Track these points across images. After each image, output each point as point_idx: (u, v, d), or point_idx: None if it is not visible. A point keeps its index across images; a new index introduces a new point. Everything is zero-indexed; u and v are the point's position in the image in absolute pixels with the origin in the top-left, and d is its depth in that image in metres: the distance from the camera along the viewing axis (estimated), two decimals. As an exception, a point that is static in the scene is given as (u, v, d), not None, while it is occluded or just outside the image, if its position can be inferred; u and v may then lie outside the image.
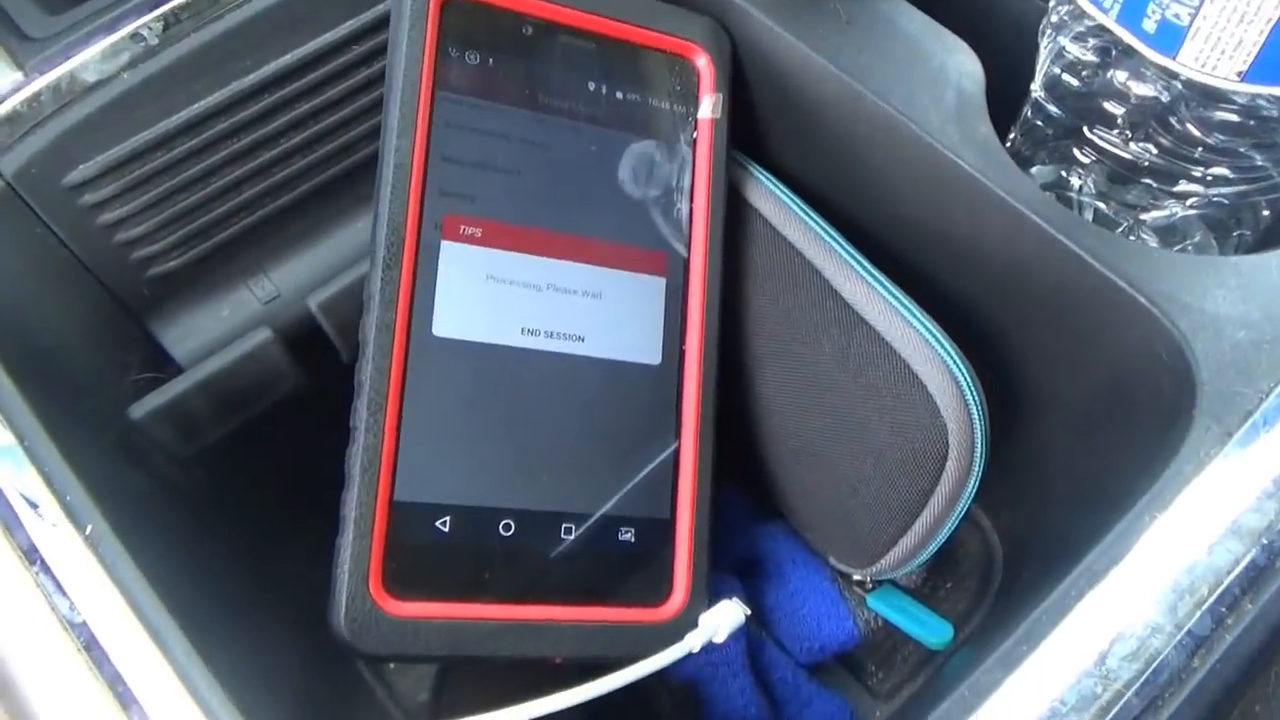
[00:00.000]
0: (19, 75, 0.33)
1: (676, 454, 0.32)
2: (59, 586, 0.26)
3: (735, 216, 0.35)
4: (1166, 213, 0.34)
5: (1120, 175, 0.34)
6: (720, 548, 0.38)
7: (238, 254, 0.36)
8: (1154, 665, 0.23)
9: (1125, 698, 0.22)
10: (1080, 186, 0.38)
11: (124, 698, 0.24)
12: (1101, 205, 0.36)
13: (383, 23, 0.36)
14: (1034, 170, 0.39)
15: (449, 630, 0.28)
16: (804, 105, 0.35)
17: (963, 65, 0.33)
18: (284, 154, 0.36)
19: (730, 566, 0.37)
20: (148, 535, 0.29)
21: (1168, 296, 0.28)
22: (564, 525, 0.30)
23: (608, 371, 0.31)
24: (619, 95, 0.33)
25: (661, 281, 0.33)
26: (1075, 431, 0.33)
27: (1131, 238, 0.35)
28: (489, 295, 0.30)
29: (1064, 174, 0.38)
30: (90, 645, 0.25)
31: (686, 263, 0.33)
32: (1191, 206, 0.34)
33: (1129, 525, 0.25)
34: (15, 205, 0.32)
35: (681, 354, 0.32)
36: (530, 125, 0.32)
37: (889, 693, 0.37)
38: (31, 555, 0.26)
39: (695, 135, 0.34)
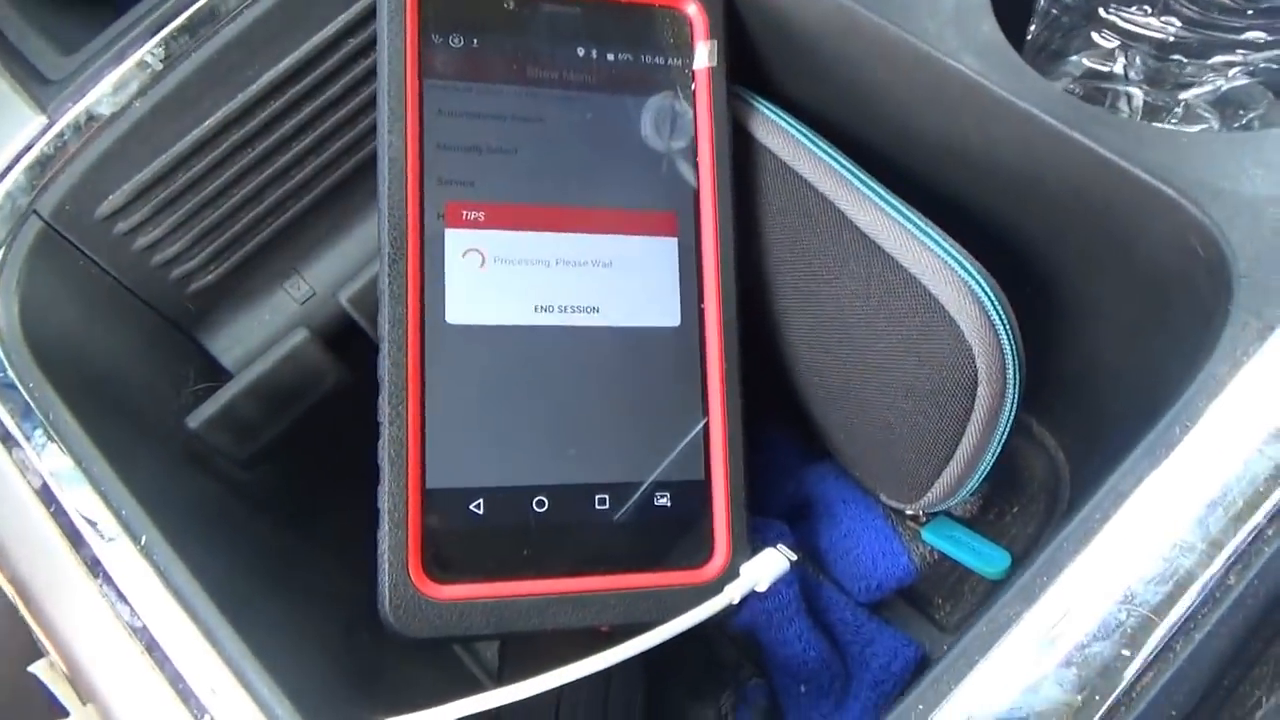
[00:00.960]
0: (43, 118, 0.35)
1: (705, 413, 0.31)
2: (120, 595, 0.28)
3: (744, 157, 0.34)
4: (1210, 88, 0.31)
5: (1150, 55, 0.31)
6: (770, 492, 0.38)
7: (270, 259, 0.38)
8: (1184, 586, 0.21)
9: (1155, 623, 0.21)
10: (1120, 74, 0.35)
11: (184, 694, 0.26)
12: (1138, 91, 0.33)
13: (373, 12, 0.36)
14: (1069, 61, 0.36)
15: (492, 609, 0.29)
16: (799, 31, 0.33)
17: (960, -37, 0.31)
18: (298, 155, 0.37)
19: (781, 510, 0.37)
20: (209, 537, 0.31)
21: (1197, 183, 0.26)
22: (597, 496, 0.30)
23: (627, 339, 0.31)
24: (610, 58, 0.32)
25: (673, 241, 0.32)
26: (1121, 337, 0.31)
27: (1173, 122, 0.33)
28: (498, 277, 0.30)
29: (1099, 63, 0.35)
30: (151, 647, 0.27)
31: (697, 219, 0.32)
32: (1239, 76, 0.31)
33: (1157, 438, 0.23)
34: (56, 242, 0.34)
35: (701, 312, 0.32)
36: (523, 101, 0.31)
37: (957, 625, 0.36)
38: (95, 568, 0.28)
39: (694, 87, 0.33)
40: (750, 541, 0.34)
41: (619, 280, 0.31)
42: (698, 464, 0.31)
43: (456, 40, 0.31)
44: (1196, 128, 0.33)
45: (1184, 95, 0.32)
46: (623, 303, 0.31)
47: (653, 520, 0.30)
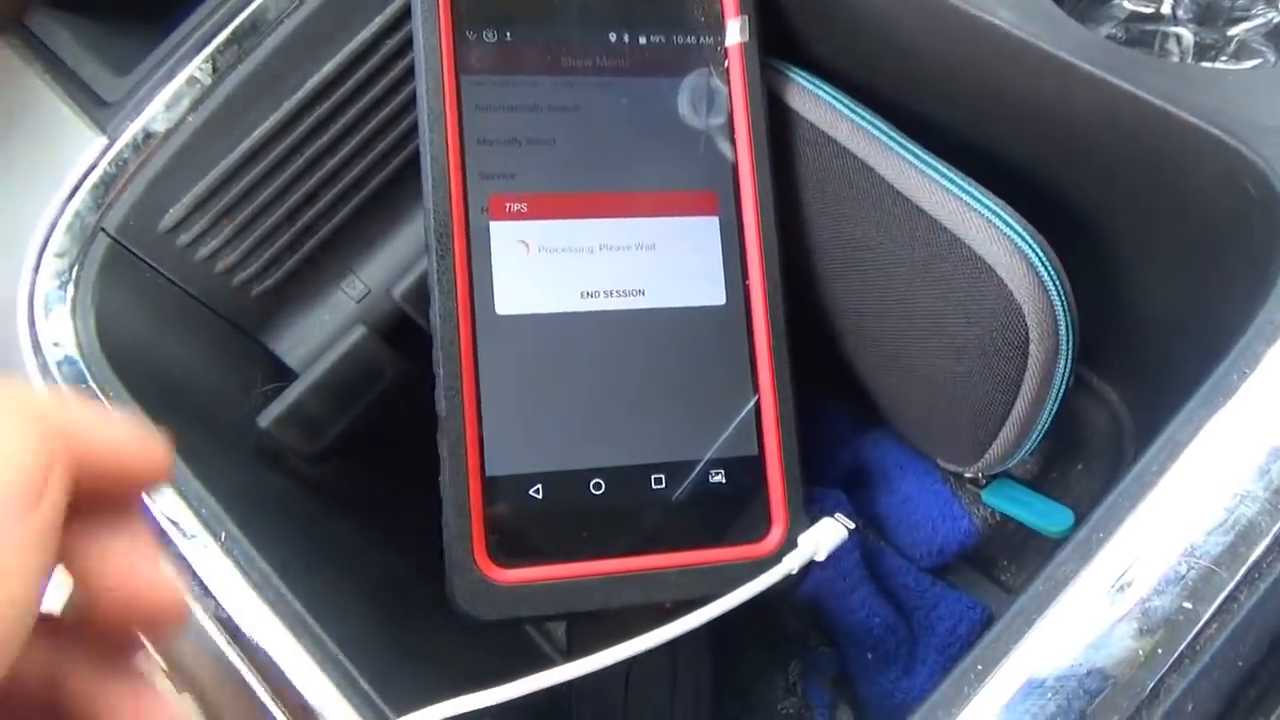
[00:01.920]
0: (104, 139, 0.36)
1: (756, 388, 0.31)
2: (205, 589, 0.29)
3: (780, 128, 0.34)
4: (1262, 20, 0.30)
5: (1195, -8, 0.30)
6: (826, 462, 0.38)
7: (325, 261, 0.39)
8: (1247, 536, 0.21)
9: (1218, 574, 0.21)
10: (1168, 14, 0.34)
11: (271, 679, 0.28)
12: (1186, 31, 0.32)
13: (408, 11, 0.37)
14: (1113, 4, 0.35)
15: (556, 590, 0.29)
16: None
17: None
18: (346, 158, 0.38)
19: (838, 480, 0.37)
20: (284, 531, 0.33)
21: (1247, 123, 0.25)
22: (654, 476, 0.31)
23: (674, 319, 0.31)
24: (642, 40, 0.33)
25: (715, 220, 0.32)
26: (1176, 285, 0.31)
27: (1225, 60, 0.32)
28: (544, 266, 0.31)
29: (1144, 5, 0.34)
30: (237, 636, 0.28)
31: (737, 196, 0.32)
32: (1293, 7, 0.30)
33: (1214, 386, 0.23)
34: (124, 257, 0.35)
35: (746, 288, 0.32)
36: (558, 91, 0.32)
37: (1025, 585, 0.35)
38: (180, 564, 0.30)
39: (727, 64, 0.33)
40: (808, 512, 0.35)
41: (663, 262, 0.31)
42: (751, 440, 0.31)
43: (490, 35, 0.31)
44: (1251, 63, 0.32)
45: (1235, 30, 0.31)
46: (668, 284, 0.31)
47: (709, 497, 0.31)
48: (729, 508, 0.31)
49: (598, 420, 0.31)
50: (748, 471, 0.31)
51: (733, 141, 0.32)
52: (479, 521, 0.29)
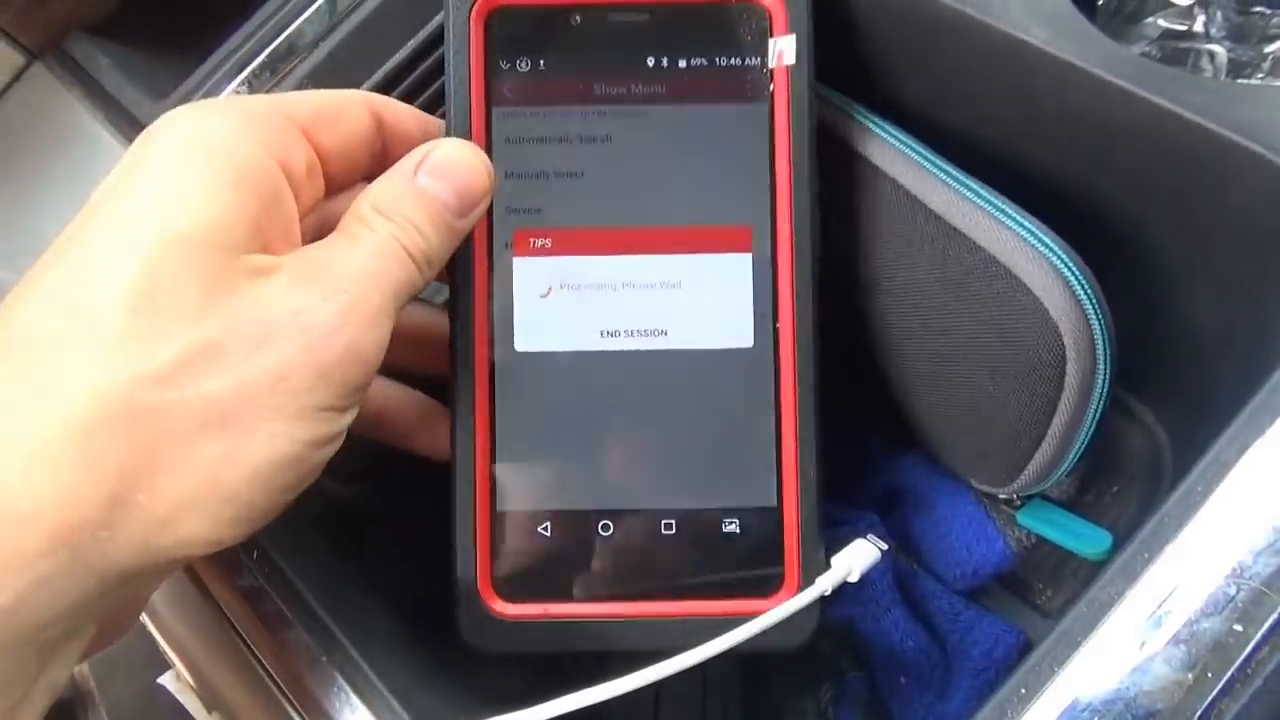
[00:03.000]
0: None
1: (778, 437, 0.30)
2: (234, 607, 0.29)
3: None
4: (1299, 39, 0.30)
5: (1231, 9, 0.30)
6: (859, 487, 0.38)
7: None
8: (1298, 557, 0.20)
9: (1268, 596, 0.20)
10: (1200, 32, 0.34)
11: (304, 699, 0.28)
12: (1220, 48, 0.32)
13: (441, 35, 0.37)
14: (1145, 23, 0.35)
15: (560, 629, 0.29)
16: (861, 16, 0.33)
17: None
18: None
19: (871, 503, 0.36)
20: (315, 549, 0.33)
21: (1288, 139, 0.25)
22: (664, 522, 0.30)
23: (696, 361, 0.30)
24: (681, 64, 0.31)
25: (747, 258, 0.30)
26: (1215, 304, 0.30)
27: (1260, 78, 0.31)
28: (566, 303, 0.30)
29: (1177, 23, 0.34)
30: (265, 654, 0.28)
31: (774, 232, 0.30)
32: (1330, 25, 0.30)
33: (1261, 404, 0.22)
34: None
35: (776, 331, 0.30)
36: (590, 121, 0.31)
37: (1060, 609, 0.35)
38: (209, 583, 0.30)
39: (772, 87, 0.31)
40: (839, 535, 0.34)
41: (689, 301, 0.30)
42: (770, 490, 0.30)
43: (524, 64, 0.31)
44: (1287, 82, 0.32)
45: (1270, 48, 0.31)
46: (692, 325, 0.30)
47: (721, 547, 0.30)
48: (741, 559, 0.30)
49: (611, 462, 0.30)
50: (764, 523, 0.30)
51: (773, 172, 0.31)
52: (485, 556, 0.29)
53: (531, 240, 0.30)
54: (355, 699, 0.27)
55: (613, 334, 0.30)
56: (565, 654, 0.31)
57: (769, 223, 0.30)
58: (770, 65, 0.31)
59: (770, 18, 0.31)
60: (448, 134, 0.30)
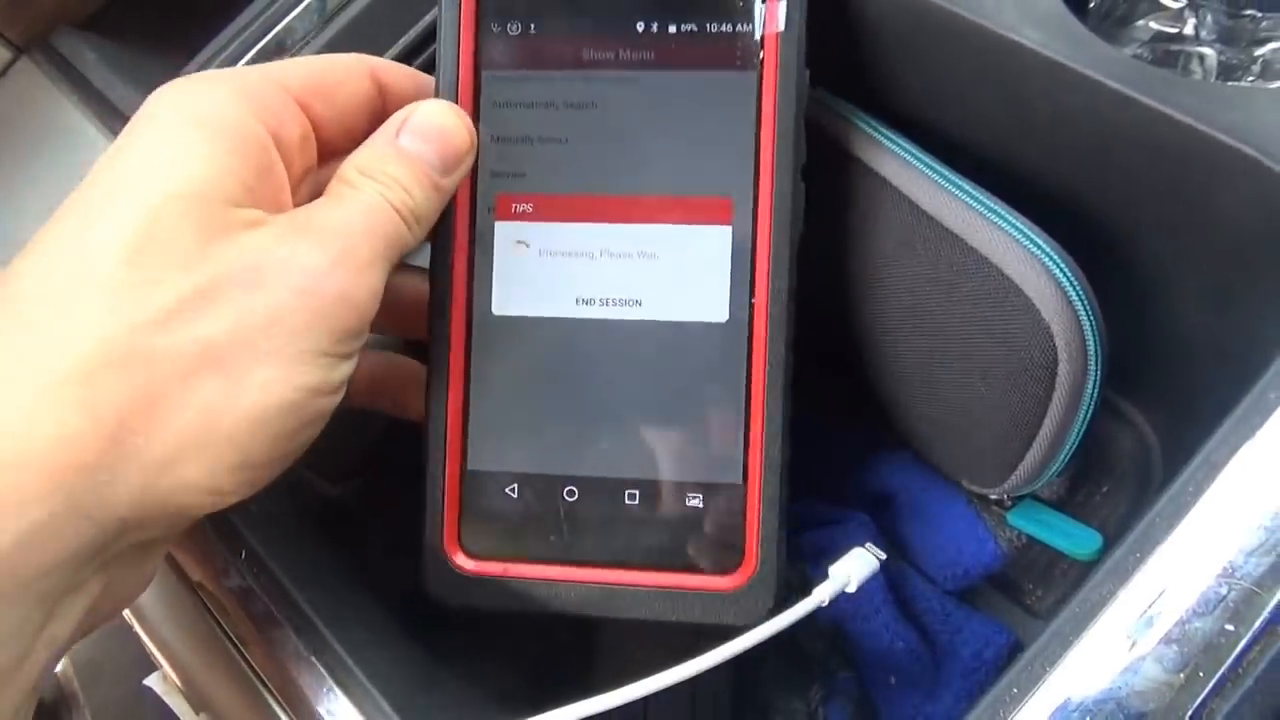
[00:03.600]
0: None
1: (747, 414, 0.30)
2: (223, 608, 0.29)
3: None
4: (1289, 42, 0.30)
5: (1221, 12, 0.30)
6: (850, 484, 0.38)
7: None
8: (1288, 557, 0.20)
9: (1259, 596, 0.20)
10: (1191, 35, 0.34)
11: (293, 699, 0.27)
12: (1211, 51, 0.32)
13: (433, 33, 0.37)
14: (1136, 26, 0.35)
15: (520, 589, 0.30)
16: (853, 14, 0.33)
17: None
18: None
19: (862, 503, 0.36)
20: (304, 548, 0.32)
21: (1277, 140, 0.25)
22: (627, 491, 0.30)
23: (669, 333, 0.30)
24: (671, 30, 0.30)
25: (727, 230, 0.30)
26: (1206, 306, 0.30)
27: (1250, 80, 0.31)
28: (544, 269, 0.30)
29: (1168, 25, 0.34)
30: (254, 654, 0.28)
31: (755, 204, 0.30)
32: (1320, 29, 0.30)
33: (1251, 406, 0.23)
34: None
35: (751, 307, 0.30)
36: (577, 87, 0.30)
37: (1050, 609, 0.35)
38: (199, 583, 0.29)
39: (762, 55, 0.30)
40: (831, 535, 0.34)
41: (665, 272, 0.30)
42: (735, 467, 0.30)
43: (515, 27, 0.30)
44: (1276, 83, 0.32)
45: (1260, 51, 0.31)
46: (668, 296, 0.30)
47: (683, 520, 0.30)
48: (702, 534, 0.30)
49: (579, 428, 0.30)
50: (727, 499, 0.30)
51: (757, 143, 0.30)
52: (454, 511, 0.30)
53: (514, 205, 0.30)
54: (345, 699, 0.27)
55: (588, 301, 0.30)
56: (524, 615, 0.31)
57: (751, 195, 0.30)
58: (760, 32, 0.30)
59: None
60: (436, 95, 0.30)
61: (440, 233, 0.30)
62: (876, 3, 0.32)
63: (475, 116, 0.30)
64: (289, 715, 0.27)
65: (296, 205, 0.26)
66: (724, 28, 0.30)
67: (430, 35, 0.37)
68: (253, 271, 0.23)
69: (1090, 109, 0.28)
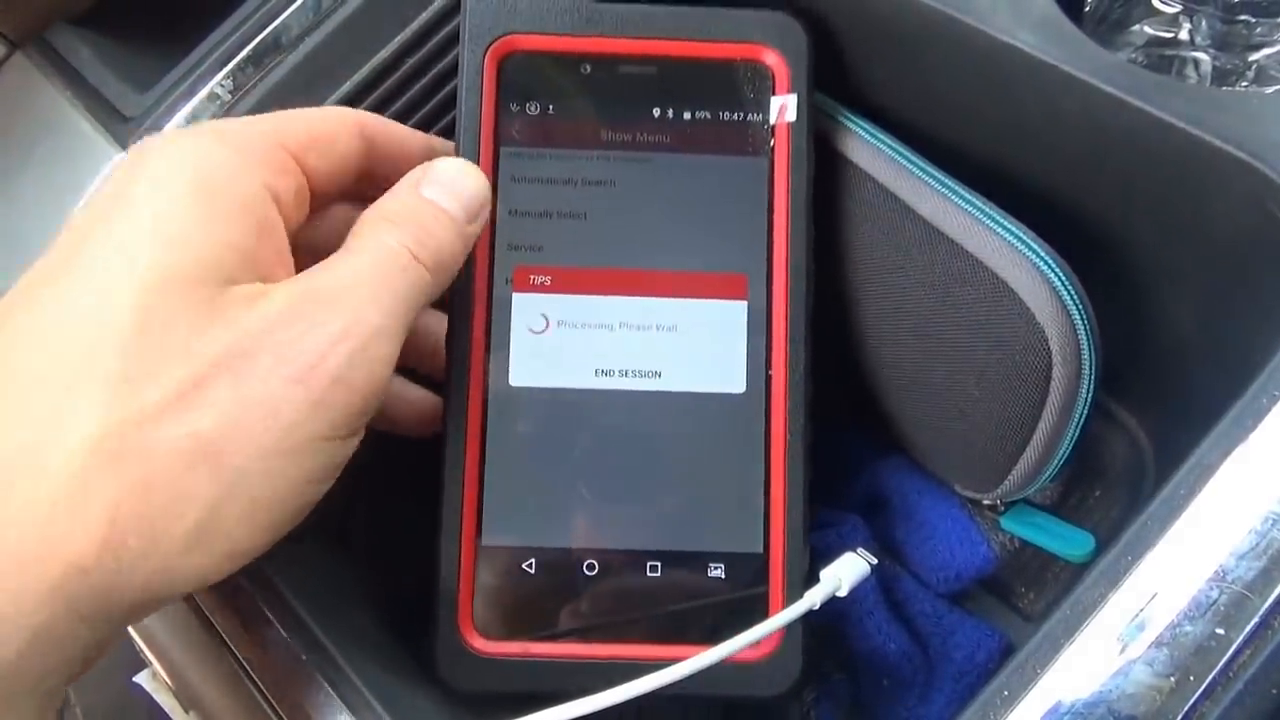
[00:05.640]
0: (123, 155, 0.36)
1: (767, 485, 0.30)
2: (217, 611, 0.29)
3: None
4: (1282, 48, 0.30)
5: (1216, 17, 0.30)
6: (843, 488, 0.38)
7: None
8: (1279, 560, 0.20)
9: (1250, 600, 0.20)
10: (1186, 40, 0.34)
11: (282, 702, 0.27)
12: (1205, 56, 0.32)
13: (429, 33, 0.37)
14: (1131, 30, 0.35)
15: (539, 668, 0.29)
16: (848, 20, 0.33)
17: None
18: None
19: (855, 506, 0.36)
20: (299, 557, 0.32)
21: (1271, 145, 0.25)
22: (649, 564, 0.30)
23: (688, 404, 0.30)
24: (686, 116, 0.32)
25: (743, 305, 0.31)
26: (1200, 310, 0.30)
27: (1244, 86, 0.32)
28: (562, 340, 0.30)
29: (1163, 30, 0.34)
30: (249, 659, 0.28)
31: (769, 282, 0.31)
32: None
33: (1244, 409, 0.23)
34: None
35: (768, 379, 0.30)
36: (595, 165, 0.31)
37: (1043, 612, 0.35)
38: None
39: (773, 142, 0.31)
40: (824, 539, 0.34)
41: (684, 344, 0.31)
42: (756, 537, 0.30)
43: (533, 107, 0.31)
44: (1270, 89, 0.32)
45: (1255, 56, 0.31)
46: (686, 368, 0.31)
47: (706, 592, 0.30)
48: (726, 605, 0.30)
49: (599, 500, 0.30)
50: (749, 569, 0.30)
51: (770, 224, 0.31)
52: (468, 589, 0.29)
53: (532, 277, 0.30)
54: (336, 699, 0.27)
55: (607, 373, 0.30)
56: (543, 695, 0.30)
57: (765, 272, 0.31)
58: (772, 122, 0.31)
59: (773, 77, 0.32)
60: None
61: (457, 303, 0.30)
62: (872, 6, 0.32)
63: (493, 190, 0.30)
64: (279, 715, 0.27)
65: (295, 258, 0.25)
66: (736, 117, 0.32)
67: (424, 36, 0.37)
68: (247, 359, 0.22)
69: (1084, 113, 0.28)
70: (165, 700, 0.30)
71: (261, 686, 0.27)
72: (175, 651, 0.29)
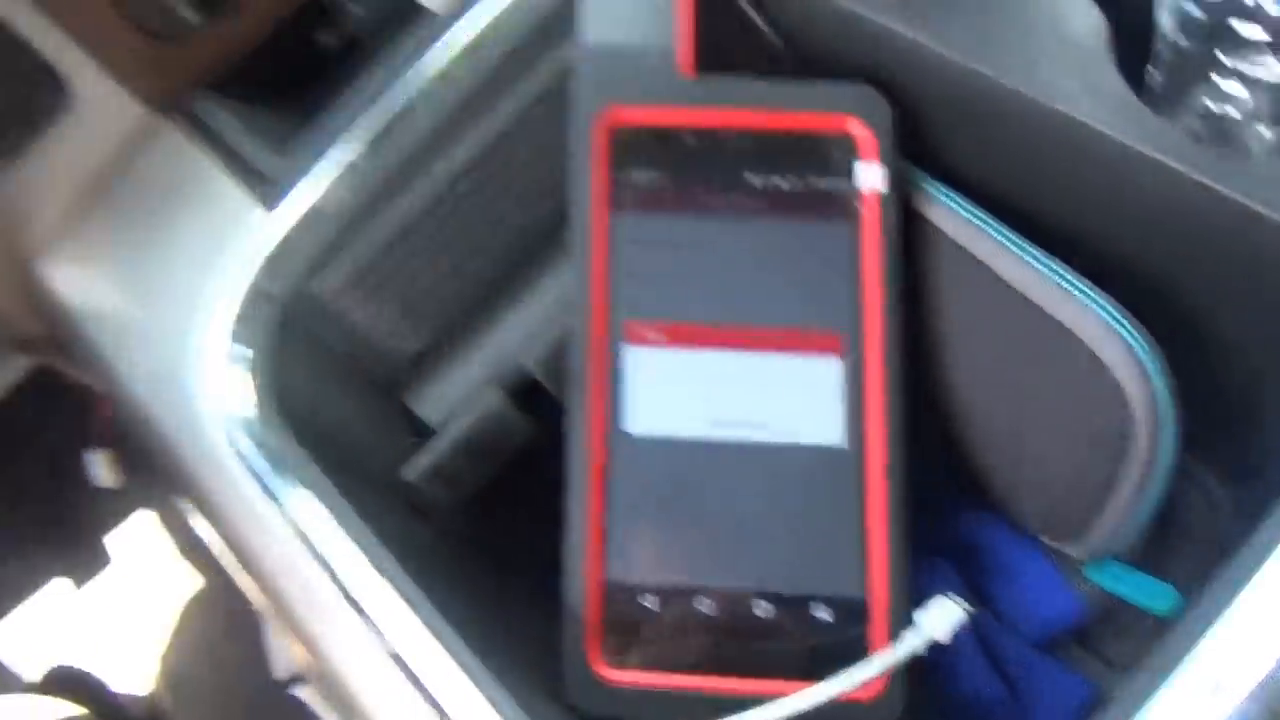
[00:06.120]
0: (267, 213, 0.40)
1: (865, 532, 0.32)
2: (374, 625, 0.32)
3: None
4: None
5: (1276, 91, 0.32)
6: (931, 535, 0.39)
7: (465, 326, 0.42)
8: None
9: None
10: (1245, 114, 0.36)
11: (434, 703, 0.30)
12: (1264, 129, 0.34)
13: (539, 99, 0.39)
14: (1191, 104, 0.37)
15: (660, 698, 0.32)
16: (927, 97, 0.35)
17: (1081, 19, 0.32)
18: (485, 234, 0.41)
19: (943, 553, 0.38)
20: (436, 574, 0.35)
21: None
22: (759, 603, 0.32)
23: (791, 455, 0.33)
24: (780, 184, 0.34)
25: (839, 362, 0.33)
26: (1275, 371, 0.32)
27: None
28: (675, 392, 0.34)
29: (1221, 105, 0.36)
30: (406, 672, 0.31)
31: (863, 342, 0.33)
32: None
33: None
34: (292, 323, 0.39)
35: (865, 433, 0.33)
36: (701, 228, 0.34)
37: (1129, 662, 0.36)
38: (351, 602, 0.32)
39: (861, 207, 0.34)
40: (916, 583, 0.36)
41: (786, 398, 0.33)
42: (857, 582, 0.32)
43: (642, 177, 0.35)
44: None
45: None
46: (788, 420, 0.33)
47: (812, 632, 0.32)
48: (831, 646, 0.32)
49: (712, 542, 0.33)
50: (851, 612, 0.32)
51: (861, 288, 0.33)
52: (595, 621, 0.32)
53: (646, 332, 0.34)
54: (492, 711, 0.29)
55: (718, 423, 0.33)
56: None
57: (858, 332, 0.33)
58: (859, 188, 0.34)
59: (860, 145, 0.34)
60: (569, 233, 0.34)
61: (577, 357, 0.33)
62: (952, 83, 0.34)
63: (605, 254, 0.34)
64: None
65: None
66: (825, 184, 0.34)
67: (541, 95, 0.39)
68: None
69: (1147, 185, 0.30)
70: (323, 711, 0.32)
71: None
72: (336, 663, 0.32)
